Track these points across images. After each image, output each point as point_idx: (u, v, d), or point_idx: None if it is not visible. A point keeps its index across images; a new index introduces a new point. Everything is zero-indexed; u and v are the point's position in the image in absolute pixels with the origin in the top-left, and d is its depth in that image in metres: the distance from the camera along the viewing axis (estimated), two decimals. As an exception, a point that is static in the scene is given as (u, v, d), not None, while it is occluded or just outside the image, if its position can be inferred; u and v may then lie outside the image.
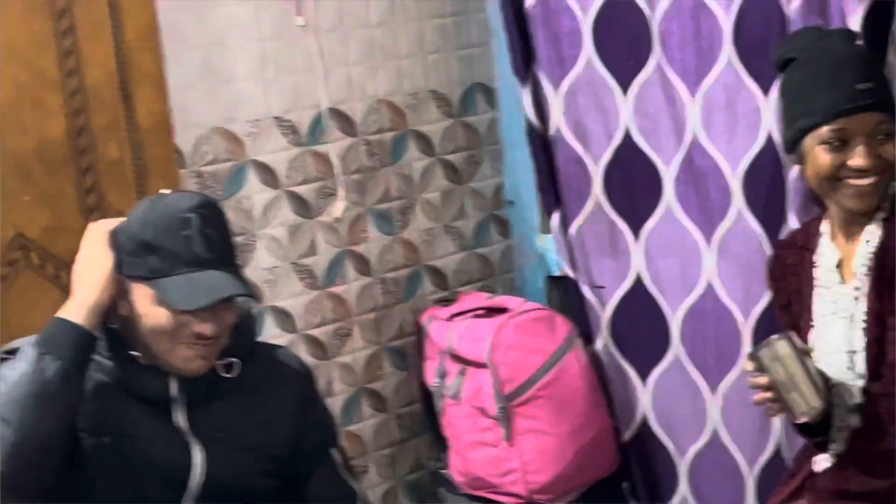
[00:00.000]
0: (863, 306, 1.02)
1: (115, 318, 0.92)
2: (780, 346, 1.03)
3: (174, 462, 0.92)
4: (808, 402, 1.03)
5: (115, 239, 0.89)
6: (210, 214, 0.90)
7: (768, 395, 1.03)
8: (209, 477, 0.94)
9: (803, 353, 1.04)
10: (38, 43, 1.26)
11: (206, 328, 0.88)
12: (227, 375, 0.97)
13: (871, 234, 1.03)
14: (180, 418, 0.93)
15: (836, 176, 1.02)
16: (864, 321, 1.01)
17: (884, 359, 1.01)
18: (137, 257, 0.87)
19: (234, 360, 0.97)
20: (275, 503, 1.03)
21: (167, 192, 0.96)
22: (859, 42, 1.11)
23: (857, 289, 1.03)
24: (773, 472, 1.41)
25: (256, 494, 0.98)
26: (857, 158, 0.98)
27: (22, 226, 1.26)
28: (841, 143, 0.99)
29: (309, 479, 1.06)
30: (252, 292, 1.09)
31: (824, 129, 0.99)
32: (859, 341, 1.02)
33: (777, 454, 1.43)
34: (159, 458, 0.92)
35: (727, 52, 1.34)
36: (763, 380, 1.03)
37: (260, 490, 0.99)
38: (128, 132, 1.35)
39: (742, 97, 1.35)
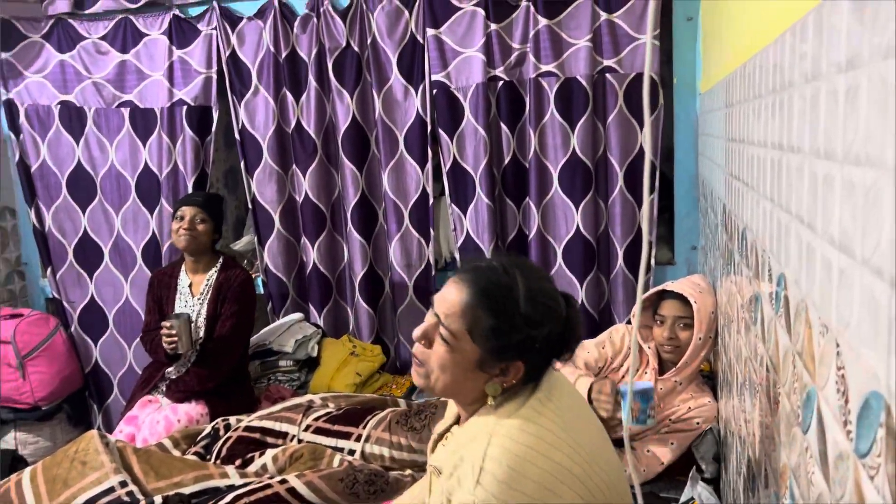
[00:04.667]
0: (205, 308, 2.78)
1: None
2: (183, 317, 2.43)
3: None
4: (185, 345, 2.41)
5: None
6: None
7: (173, 339, 2.39)
8: None
9: (187, 320, 2.43)
10: None
11: None
12: None
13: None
14: None
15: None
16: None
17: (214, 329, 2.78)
18: None
19: None
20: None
21: None
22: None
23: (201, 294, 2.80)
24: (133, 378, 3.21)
25: None
26: None
27: None
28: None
29: None
30: None
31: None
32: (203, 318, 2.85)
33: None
34: None
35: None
36: (171, 331, 2.38)
37: None
38: None
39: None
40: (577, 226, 2.63)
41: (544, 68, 2.58)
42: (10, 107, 3.08)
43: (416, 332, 1.20)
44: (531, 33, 2.57)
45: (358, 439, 1.99)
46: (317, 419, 2.11)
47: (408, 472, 1.91)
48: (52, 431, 3.07)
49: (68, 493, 1.77)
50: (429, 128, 2.73)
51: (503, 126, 2.66)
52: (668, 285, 2.01)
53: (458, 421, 1.28)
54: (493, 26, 2.60)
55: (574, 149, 2.59)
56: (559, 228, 2.67)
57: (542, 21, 2.55)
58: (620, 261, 2.64)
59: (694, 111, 2.52)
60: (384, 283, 2.94)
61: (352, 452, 1.99)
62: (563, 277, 2.67)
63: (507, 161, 2.68)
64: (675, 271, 2.60)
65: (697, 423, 1.92)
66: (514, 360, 1.13)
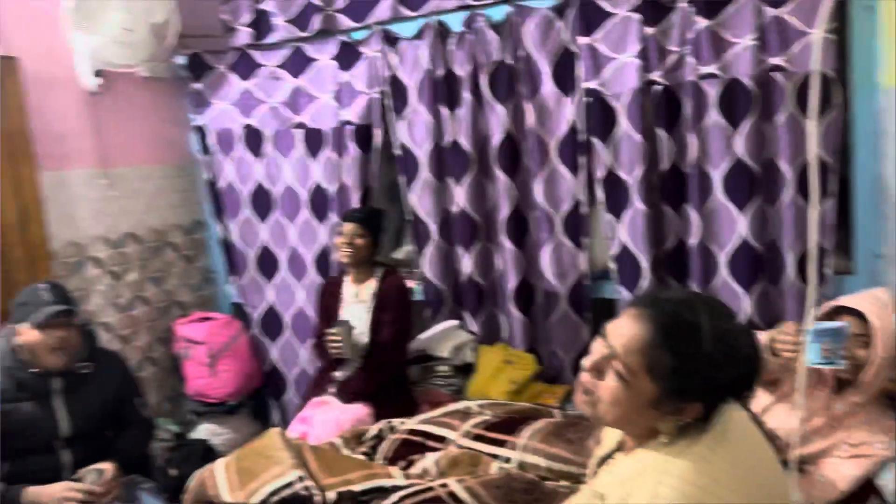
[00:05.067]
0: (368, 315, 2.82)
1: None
2: (345, 324, 2.69)
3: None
4: (347, 350, 2.61)
5: None
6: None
7: (338, 344, 2.63)
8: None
9: (350, 328, 2.69)
10: None
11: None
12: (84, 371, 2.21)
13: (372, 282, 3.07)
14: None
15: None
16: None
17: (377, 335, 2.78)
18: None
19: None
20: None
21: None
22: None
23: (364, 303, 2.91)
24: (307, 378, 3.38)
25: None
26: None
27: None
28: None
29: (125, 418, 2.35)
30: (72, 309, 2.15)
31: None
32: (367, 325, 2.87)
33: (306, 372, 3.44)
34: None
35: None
36: (337, 337, 2.63)
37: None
38: None
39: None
40: (743, 233, 2.50)
41: (704, 70, 2.48)
42: (201, 131, 3.45)
43: (587, 362, 1.16)
44: (690, 35, 2.49)
45: (514, 448, 2.03)
46: (475, 426, 2.18)
47: (564, 483, 1.92)
48: (236, 424, 3.39)
49: (254, 485, 1.96)
50: (582, 136, 2.72)
51: (660, 131, 2.59)
52: (845, 300, 1.87)
53: (620, 446, 1.27)
54: (649, 30, 2.54)
55: (738, 152, 2.47)
56: (722, 236, 2.56)
57: (702, 21, 2.45)
58: (791, 271, 2.49)
59: (875, 108, 2.32)
60: (537, 293, 2.96)
61: (508, 460, 2.03)
62: (727, 289, 2.56)
63: (664, 167, 2.61)
64: (854, 282, 2.41)
65: (879, 448, 1.78)
66: (692, 401, 1.09)
